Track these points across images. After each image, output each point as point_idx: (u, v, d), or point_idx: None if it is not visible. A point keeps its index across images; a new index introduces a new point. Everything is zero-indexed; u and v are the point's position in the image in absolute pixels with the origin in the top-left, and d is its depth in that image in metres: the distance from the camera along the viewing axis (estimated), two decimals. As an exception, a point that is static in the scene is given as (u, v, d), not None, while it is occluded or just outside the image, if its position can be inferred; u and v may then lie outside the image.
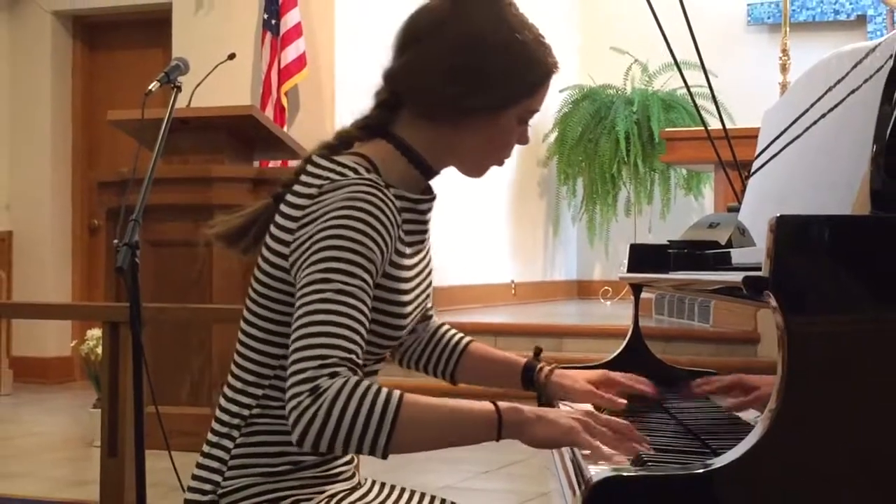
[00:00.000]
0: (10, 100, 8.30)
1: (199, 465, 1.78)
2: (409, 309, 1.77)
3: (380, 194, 1.66)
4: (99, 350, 4.69)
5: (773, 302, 1.37)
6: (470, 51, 1.72)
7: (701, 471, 1.36)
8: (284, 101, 7.21)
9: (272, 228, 1.74)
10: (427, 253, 1.87)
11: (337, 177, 1.69)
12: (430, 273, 1.89)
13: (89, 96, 8.39)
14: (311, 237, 1.64)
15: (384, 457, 1.56)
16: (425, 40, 1.75)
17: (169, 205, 5.10)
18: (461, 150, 1.78)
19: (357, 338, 1.59)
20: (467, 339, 2.08)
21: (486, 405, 1.60)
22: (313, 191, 1.69)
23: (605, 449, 1.59)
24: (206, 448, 1.78)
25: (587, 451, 1.61)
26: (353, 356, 1.58)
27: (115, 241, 2.63)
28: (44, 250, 8.18)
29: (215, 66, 5.99)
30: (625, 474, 1.38)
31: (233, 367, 1.79)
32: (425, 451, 1.63)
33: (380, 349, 1.77)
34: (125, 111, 5.78)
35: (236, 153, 5.64)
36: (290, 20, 7.19)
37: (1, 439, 5.91)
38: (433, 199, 1.83)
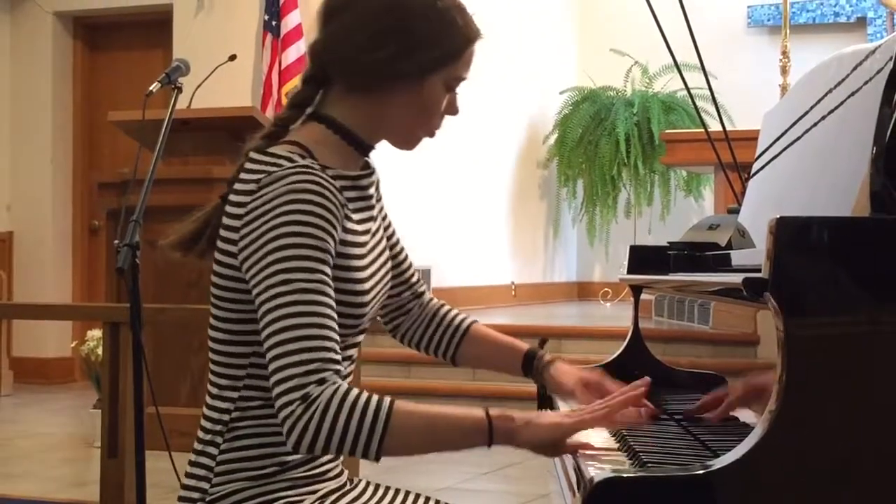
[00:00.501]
0: (10, 100, 8.30)
1: (188, 474, 1.78)
2: (367, 286, 1.77)
3: (317, 178, 1.67)
4: (99, 350, 4.70)
5: (773, 303, 1.38)
6: (392, 15, 1.74)
7: (701, 472, 1.36)
8: (285, 102, 7.21)
9: (221, 230, 1.75)
10: (381, 230, 1.87)
11: (273, 168, 1.70)
12: (385, 250, 1.88)
13: (90, 97, 8.39)
14: (259, 236, 1.65)
15: (376, 461, 1.60)
16: (348, 10, 1.77)
17: (169, 206, 5.06)
18: (390, 121, 1.79)
19: (331, 333, 1.61)
20: (470, 320, 2.07)
21: (478, 413, 1.61)
22: (252, 186, 1.70)
23: (591, 417, 1.61)
24: (192, 456, 1.78)
25: (586, 451, 1.61)
26: (332, 353, 1.60)
27: (116, 241, 2.64)
28: (44, 251, 8.18)
29: (216, 68, 5.99)
30: (625, 475, 1.38)
31: (209, 374, 1.80)
32: (417, 455, 1.67)
33: (347, 330, 1.75)
34: (126, 112, 5.78)
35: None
36: (290, 21, 7.20)
37: (1, 440, 5.91)
38: (372, 173, 1.84)
